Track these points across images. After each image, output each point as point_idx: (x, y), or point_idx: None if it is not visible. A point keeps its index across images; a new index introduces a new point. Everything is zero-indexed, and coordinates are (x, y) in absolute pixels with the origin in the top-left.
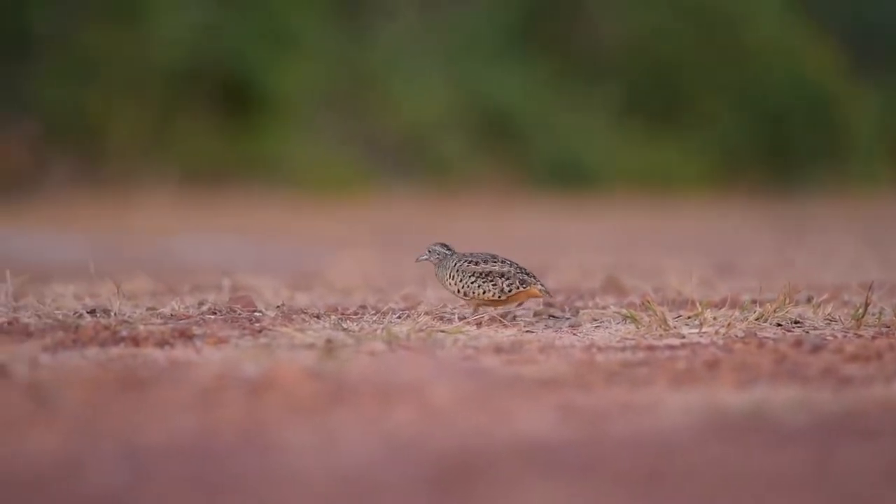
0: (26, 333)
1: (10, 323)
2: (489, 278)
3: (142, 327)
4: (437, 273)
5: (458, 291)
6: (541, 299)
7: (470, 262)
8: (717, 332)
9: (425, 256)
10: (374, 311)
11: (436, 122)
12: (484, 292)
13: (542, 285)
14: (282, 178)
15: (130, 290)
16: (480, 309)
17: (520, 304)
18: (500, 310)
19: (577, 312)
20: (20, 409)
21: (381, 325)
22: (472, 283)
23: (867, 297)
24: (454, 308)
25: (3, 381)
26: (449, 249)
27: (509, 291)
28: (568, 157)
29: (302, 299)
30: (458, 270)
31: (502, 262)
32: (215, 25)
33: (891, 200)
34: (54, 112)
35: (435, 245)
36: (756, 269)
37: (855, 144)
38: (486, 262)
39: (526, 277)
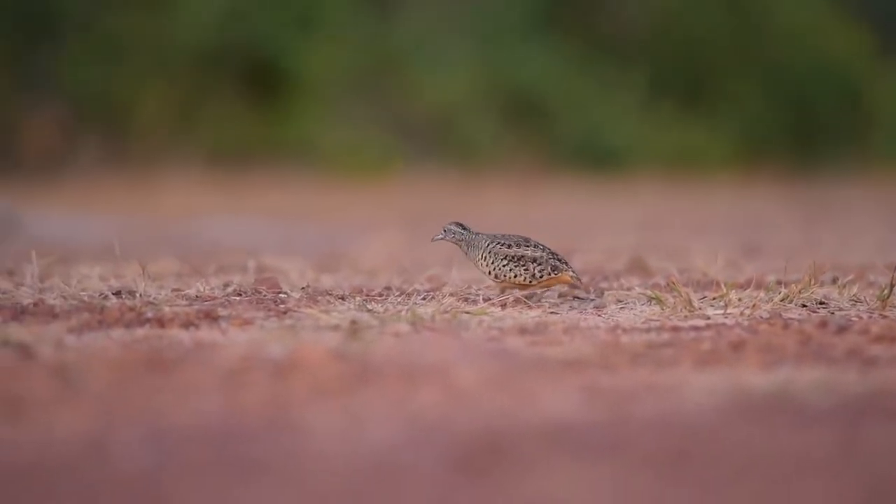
0: (52, 315)
1: (35, 304)
2: (521, 262)
3: (167, 309)
4: (467, 253)
5: (490, 273)
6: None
7: (503, 245)
8: (742, 314)
9: (441, 236)
10: (398, 293)
11: (462, 103)
12: (515, 276)
13: (573, 272)
14: (308, 160)
15: (156, 272)
16: (507, 290)
17: (549, 289)
18: (526, 292)
19: (602, 294)
20: (45, 391)
21: (406, 307)
22: (503, 265)
23: (893, 278)
24: (479, 289)
25: (29, 363)
26: (465, 229)
27: (541, 277)
28: (594, 138)
29: (327, 281)
30: (490, 252)
31: (535, 246)
32: (242, 7)
33: None
34: (82, 94)
35: (451, 224)
36: (781, 250)
37: (881, 125)
38: (518, 245)
39: (558, 263)
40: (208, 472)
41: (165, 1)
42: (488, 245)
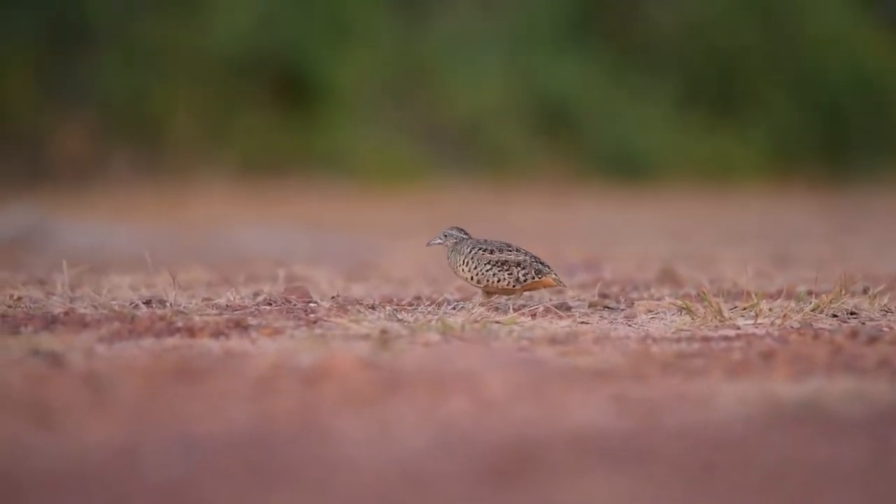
0: (83, 324)
1: (66, 313)
2: (504, 267)
3: (197, 318)
4: (449, 259)
5: (472, 279)
6: (555, 287)
7: (485, 251)
8: (772, 324)
9: (439, 241)
10: (429, 302)
11: (493, 111)
12: (499, 281)
13: (556, 275)
14: (340, 169)
15: (186, 281)
16: (492, 296)
17: (533, 290)
18: (512, 297)
19: (633, 303)
20: (76, 400)
21: (436, 316)
22: (486, 270)
23: None
24: (509, 299)
25: (60, 372)
26: (465, 234)
27: (524, 281)
28: (625, 147)
29: (357, 290)
30: (472, 258)
31: (517, 250)
32: (274, 16)
33: None
34: (114, 102)
35: (451, 229)
36: (812, 260)
37: None
38: (500, 250)
39: (541, 267)
40: (238, 480)
41: (198, 10)
42: (471, 251)
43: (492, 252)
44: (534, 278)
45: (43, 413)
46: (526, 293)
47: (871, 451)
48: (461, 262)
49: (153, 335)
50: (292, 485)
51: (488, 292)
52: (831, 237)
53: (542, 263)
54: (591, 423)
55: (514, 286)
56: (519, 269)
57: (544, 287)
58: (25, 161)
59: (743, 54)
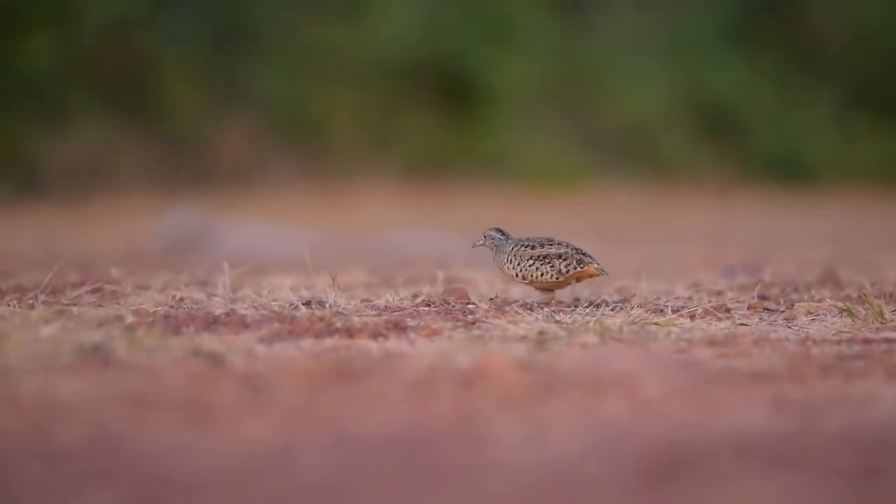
0: (243, 325)
1: (227, 314)
2: (546, 260)
3: (356, 319)
4: (494, 259)
5: (517, 276)
6: (597, 277)
7: (526, 247)
8: None
9: (481, 242)
10: (587, 304)
11: (656, 115)
12: (542, 274)
13: (598, 264)
14: (501, 173)
15: (346, 283)
16: (548, 293)
17: (578, 281)
18: (566, 290)
19: (793, 305)
20: (236, 399)
21: (594, 318)
22: (529, 265)
23: None
24: (668, 300)
25: (220, 372)
26: (504, 234)
27: (567, 272)
28: (789, 151)
29: (515, 292)
30: (515, 255)
31: (558, 244)
32: (436, 20)
33: None
34: (277, 106)
35: (491, 230)
36: None
37: None
38: (542, 245)
39: (583, 257)
40: (391, 481)
41: (361, 15)
42: (513, 248)
43: (533, 248)
44: (575, 268)
45: (203, 413)
46: (571, 284)
47: None
48: (505, 261)
49: (312, 336)
50: (446, 486)
51: (538, 288)
52: None
53: (583, 254)
54: (749, 425)
55: (557, 278)
56: (560, 260)
57: (588, 276)
58: (190, 163)
59: None
